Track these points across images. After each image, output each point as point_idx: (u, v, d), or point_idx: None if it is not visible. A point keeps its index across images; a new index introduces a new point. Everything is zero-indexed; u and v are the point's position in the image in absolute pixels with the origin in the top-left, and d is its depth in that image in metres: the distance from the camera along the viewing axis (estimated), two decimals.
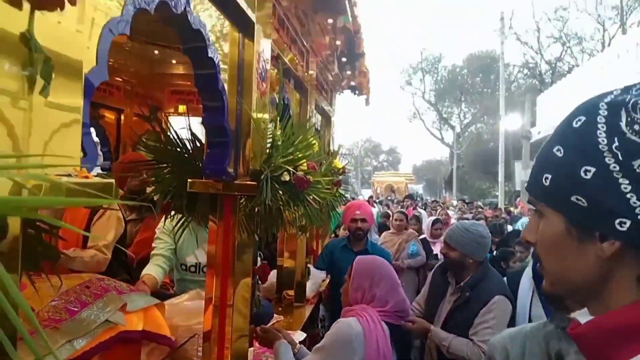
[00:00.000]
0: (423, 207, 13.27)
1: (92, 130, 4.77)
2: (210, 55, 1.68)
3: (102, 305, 1.84)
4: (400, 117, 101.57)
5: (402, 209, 7.34)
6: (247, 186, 1.89)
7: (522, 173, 24.21)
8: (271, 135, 1.93)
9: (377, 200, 18.05)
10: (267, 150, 1.94)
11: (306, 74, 3.43)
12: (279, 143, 1.92)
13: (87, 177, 0.81)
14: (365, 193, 27.77)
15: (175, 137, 2.05)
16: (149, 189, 2.61)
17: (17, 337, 1.34)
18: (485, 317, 2.73)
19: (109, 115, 5.17)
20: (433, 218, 6.84)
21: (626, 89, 0.72)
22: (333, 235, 6.19)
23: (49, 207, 0.74)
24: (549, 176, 0.75)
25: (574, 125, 0.73)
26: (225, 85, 1.86)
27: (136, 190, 3.41)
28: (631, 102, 0.68)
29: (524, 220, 9.28)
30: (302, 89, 3.43)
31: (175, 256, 3.23)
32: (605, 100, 0.71)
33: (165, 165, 2.00)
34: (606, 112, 0.69)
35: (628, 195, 0.65)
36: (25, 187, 0.70)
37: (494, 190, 34.61)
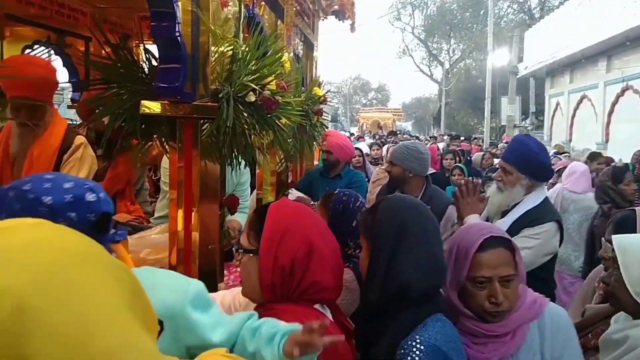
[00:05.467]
0: None
1: (58, 58, 4.45)
2: None
3: None
4: (389, 54, 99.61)
5: (393, 144, 7.13)
6: (206, 107, 1.68)
7: (507, 108, 23.97)
8: (231, 49, 1.70)
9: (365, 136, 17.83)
10: (228, 66, 1.72)
11: None
12: (240, 57, 1.69)
13: None
14: (355, 130, 27.42)
15: (126, 54, 1.82)
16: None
17: None
18: (446, 227, 2.93)
19: (77, 44, 4.83)
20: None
21: None
22: None
23: None
24: None
25: None
26: None
27: (102, 130, 3.19)
28: None
29: None
30: (277, 9, 3.15)
31: None
32: None
33: (115, 85, 1.78)
34: None
35: None
36: None
37: (481, 127, 34.52)
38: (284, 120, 1.91)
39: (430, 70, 43.70)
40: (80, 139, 2.73)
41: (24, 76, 2.45)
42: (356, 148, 6.72)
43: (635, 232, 1.94)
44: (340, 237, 2.16)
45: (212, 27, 1.70)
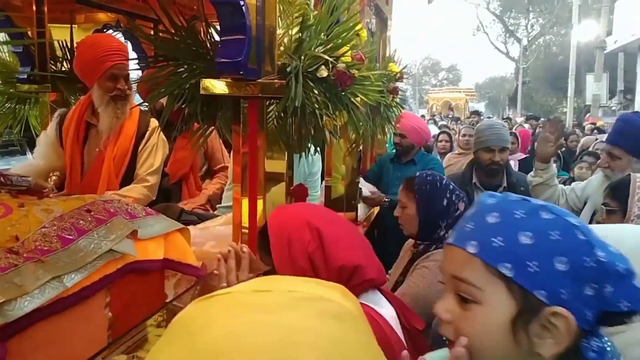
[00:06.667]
0: None
1: (128, 43, 4.42)
2: None
3: (105, 232, 1.52)
4: (462, 32, 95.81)
5: (470, 125, 6.41)
6: (272, 86, 1.47)
7: (593, 86, 22.27)
8: (301, 14, 1.47)
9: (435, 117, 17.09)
10: (297, 35, 1.49)
11: None
12: (311, 24, 1.46)
13: None
14: (424, 112, 26.53)
15: (186, 27, 1.64)
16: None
17: None
18: None
19: (146, 27, 4.79)
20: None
21: None
22: None
23: None
24: None
25: None
26: None
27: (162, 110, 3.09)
28: None
29: None
30: None
31: None
32: None
33: (172, 62, 1.60)
34: None
35: None
36: None
37: (562, 107, 32.48)
38: (359, 98, 1.67)
39: (506, 47, 41.59)
40: (154, 122, 2.64)
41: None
42: (443, 132, 6.33)
43: (627, 195, 1.83)
44: (431, 219, 2.01)
45: None
